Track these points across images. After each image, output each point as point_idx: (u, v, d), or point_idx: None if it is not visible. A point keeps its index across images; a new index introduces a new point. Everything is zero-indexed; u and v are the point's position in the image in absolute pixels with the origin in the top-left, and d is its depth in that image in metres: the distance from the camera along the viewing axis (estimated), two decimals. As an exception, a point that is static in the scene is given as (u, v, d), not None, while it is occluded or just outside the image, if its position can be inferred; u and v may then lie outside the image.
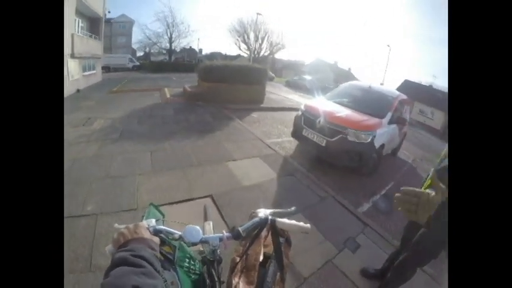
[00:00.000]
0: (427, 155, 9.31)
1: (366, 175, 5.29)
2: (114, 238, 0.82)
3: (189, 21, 61.22)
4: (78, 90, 13.65)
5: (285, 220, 1.10)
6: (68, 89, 12.60)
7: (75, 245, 2.51)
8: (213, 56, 43.86)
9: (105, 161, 4.41)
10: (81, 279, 2.17)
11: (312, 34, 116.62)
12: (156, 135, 6.03)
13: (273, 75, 29.86)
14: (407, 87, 28.60)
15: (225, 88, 10.37)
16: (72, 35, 13.38)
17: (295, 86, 25.82)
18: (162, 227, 0.95)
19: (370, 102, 5.74)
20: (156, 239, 0.87)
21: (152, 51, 44.40)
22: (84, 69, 16.17)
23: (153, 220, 0.96)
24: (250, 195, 3.82)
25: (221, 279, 1.15)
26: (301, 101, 12.63)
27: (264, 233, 1.13)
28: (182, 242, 0.98)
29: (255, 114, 9.53)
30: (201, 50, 53.94)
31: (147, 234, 0.84)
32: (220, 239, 0.98)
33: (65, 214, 2.88)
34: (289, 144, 6.62)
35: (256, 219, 1.07)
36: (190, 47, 47.32)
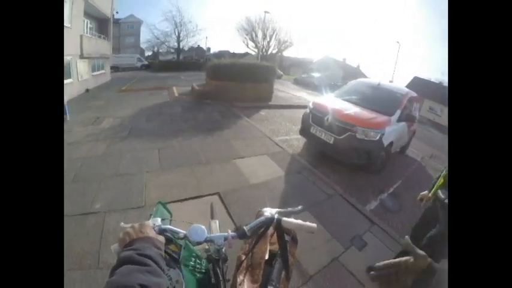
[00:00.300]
0: (437, 153, 9.15)
1: (373, 173, 5.24)
2: (120, 237, 0.83)
3: (197, 20, 61.24)
4: (87, 90, 13.85)
5: (291, 219, 1.09)
6: (78, 89, 12.82)
7: (84, 242, 2.56)
8: (221, 54, 43.96)
9: (114, 159, 4.48)
10: (90, 276, 2.21)
11: (320, 31, 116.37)
12: (165, 133, 6.09)
13: (281, 73, 29.78)
14: (417, 84, 28.09)
15: (233, 86, 10.38)
16: (81, 36, 13.55)
17: (304, 83, 25.67)
18: (167, 226, 0.95)
19: (379, 100, 5.67)
20: (162, 238, 0.87)
21: (160, 50, 44.60)
22: (93, 69, 16.40)
23: (159, 219, 0.97)
24: (258, 193, 3.82)
25: (227, 278, 1.15)
26: (309, 98, 12.58)
27: (270, 231, 1.13)
28: (187, 241, 0.99)
29: (263, 112, 9.53)
30: (209, 49, 54.00)
31: (152, 233, 0.85)
32: (225, 238, 0.98)
33: (74, 212, 2.94)
34: (297, 142, 6.60)
35: (262, 218, 1.06)
36: (199, 45, 47.43)
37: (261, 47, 38.65)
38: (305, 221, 1.11)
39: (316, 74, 28.54)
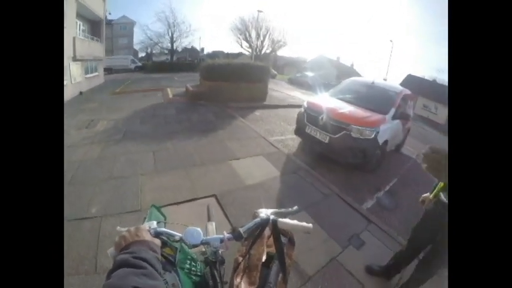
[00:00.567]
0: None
1: (369, 171, 5.26)
2: (115, 241, 0.83)
3: (190, 20, 61.41)
4: (81, 93, 13.71)
5: (287, 220, 1.09)
6: (71, 91, 12.67)
7: (81, 247, 2.53)
8: (215, 54, 43.90)
9: (109, 163, 4.44)
10: (87, 281, 2.18)
11: (313, 31, 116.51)
12: (159, 136, 6.05)
13: (275, 72, 29.79)
14: (411, 82, 28.25)
15: (227, 87, 10.35)
16: (74, 38, 13.43)
17: (298, 83, 25.70)
18: (163, 229, 0.95)
19: (373, 98, 5.71)
20: (157, 241, 0.87)
21: (154, 51, 44.45)
22: (86, 72, 16.23)
23: (155, 222, 0.96)
24: (254, 194, 3.82)
25: (224, 280, 1.15)
26: (303, 98, 12.59)
27: (267, 232, 1.12)
28: (183, 244, 0.98)
29: (257, 112, 9.53)
30: (202, 49, 53.84)
31: (148, 237, 0.85)
32: (221, 240, 0.98)
33: (71, 217, 2.91)
34: (292, 141, 6.61)
35: (257, 219, 1.06)
36: (192, 46, 47.34)
37: (255, 46, 38.63)
38: (301, 221, 1.10)
39: (310, 73, 28.58)
